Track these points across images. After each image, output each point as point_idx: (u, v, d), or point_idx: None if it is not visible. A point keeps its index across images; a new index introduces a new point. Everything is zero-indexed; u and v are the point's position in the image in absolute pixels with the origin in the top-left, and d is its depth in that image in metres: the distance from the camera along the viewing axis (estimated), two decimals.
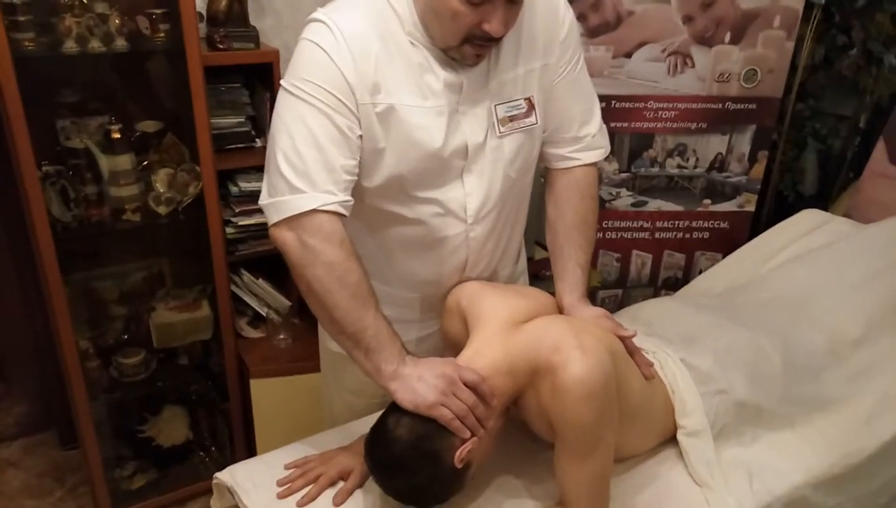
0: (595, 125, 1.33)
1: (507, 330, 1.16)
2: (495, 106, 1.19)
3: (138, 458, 2.19)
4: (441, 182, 1.19)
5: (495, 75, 1.18)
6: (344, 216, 1.13)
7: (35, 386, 2.36)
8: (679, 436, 1.27)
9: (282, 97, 1.13)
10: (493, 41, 1.10)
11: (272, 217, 1.13)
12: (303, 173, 1.09)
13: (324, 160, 1.10)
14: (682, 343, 1.33)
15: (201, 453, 2.25)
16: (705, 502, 1.19)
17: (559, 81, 1.26)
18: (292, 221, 1.10)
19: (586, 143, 1.32)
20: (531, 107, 1.22)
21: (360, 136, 1.13)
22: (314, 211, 1.09)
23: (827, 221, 1.90)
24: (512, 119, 1.20)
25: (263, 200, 1.15)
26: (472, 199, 1.22)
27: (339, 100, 1.09)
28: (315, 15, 1.12)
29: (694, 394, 1.26)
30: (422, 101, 1.13)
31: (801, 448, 1.31)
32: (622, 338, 1.23)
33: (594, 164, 1.35)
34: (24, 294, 2.21)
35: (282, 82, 1.13)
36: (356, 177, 1.15)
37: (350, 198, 1.14)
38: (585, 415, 1.03)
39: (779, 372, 1.35)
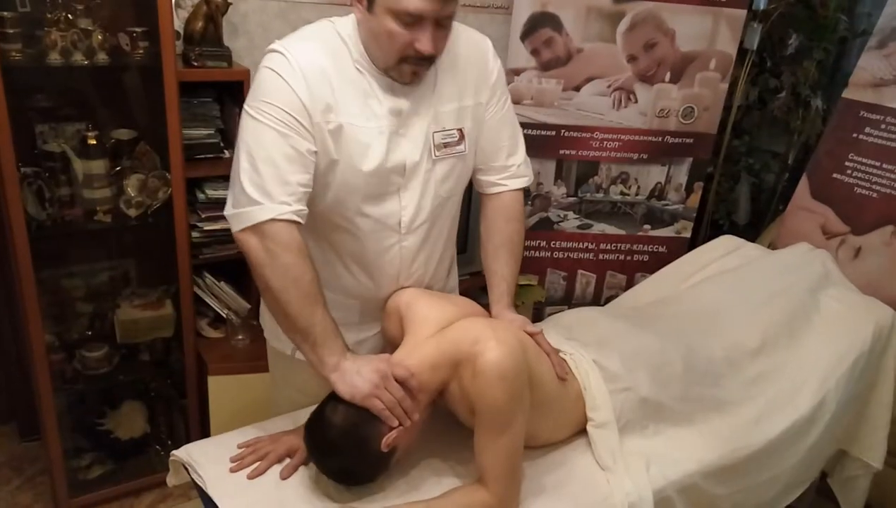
0: (520, 156, 1.52)
1: (437, 333, 1.32)
2: (433, 133, 1.36)
3: (96, 450, 2.27)
4: (381, 197, 1.36)
5: (434, 104, 1.35)
6: (300, 223, 1.27)
7: None
8: (588, 427, 1.42)
9: (244, 120, 1.27)
10: (426, 60, 1.26)
11: (235, 225, 1.28)
12: (260, 187, 1.24)
13: (279, 175, 1.24)
14: (596, 345, 1.49)
15: (157, 447, 2.33)
16: (607, 483, 1.35)
17: (489, 118, 1.45)
18: (255, 228, 1.25)
19: (512, 172, 1.51)
20: (462, 137, 1.40)
21: (315, 152, 1.28)
22: (272, 220, 1.24)
23: (740, 246, 2.10)
24: (446, 145, 1.38)
25: (228, 211, 1.29)
26: (406, 212, 1.38)
27: (296, 119, 1.24)
28: (273, 46, 1.27)
29: (603, 391, 1.42)
30: (365, 122, 1.30)
31: (695, 441, 1.47)
32: (530, 334, 1.40)
33: (520, 190, 1.53)
34: None
35: (244, 106, 1.27)
36: (310, 189, 1.29)
37: (304, 207, 1.28)
38: (500, 395, 1.19)
39: (679, 374, 1.51)
